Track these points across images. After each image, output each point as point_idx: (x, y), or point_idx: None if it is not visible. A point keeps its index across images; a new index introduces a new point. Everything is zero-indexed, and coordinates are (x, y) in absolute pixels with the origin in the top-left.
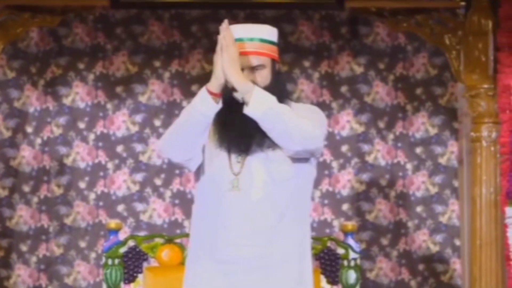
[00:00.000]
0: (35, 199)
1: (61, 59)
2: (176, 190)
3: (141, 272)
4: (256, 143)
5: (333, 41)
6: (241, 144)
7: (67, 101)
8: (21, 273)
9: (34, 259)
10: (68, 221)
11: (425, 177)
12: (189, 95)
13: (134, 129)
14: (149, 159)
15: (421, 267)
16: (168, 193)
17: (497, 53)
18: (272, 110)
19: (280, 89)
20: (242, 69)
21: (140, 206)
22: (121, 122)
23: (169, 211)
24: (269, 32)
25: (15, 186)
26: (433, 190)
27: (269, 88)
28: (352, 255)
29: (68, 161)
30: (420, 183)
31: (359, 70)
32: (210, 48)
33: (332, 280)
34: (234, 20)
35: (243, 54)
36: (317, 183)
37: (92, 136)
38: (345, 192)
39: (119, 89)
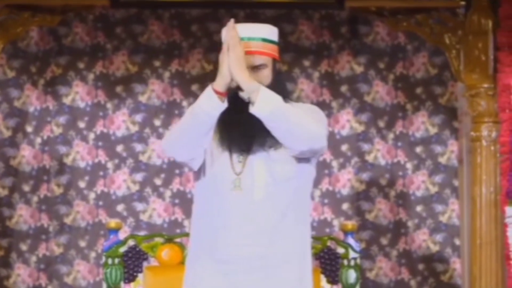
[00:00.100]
0: (35, 199)
1: (61, 59)
2: (176, 189)
3: (141, 272)
4: (258, 143)
5: (333, 41)
6: (242, 144)
7: (67, 100)
8: (21, 273)
9: (34, 258)
10: (68, 220)
11: (425, 176)
12: (189, 94)
13: (134, 128)
14: (149, 158)
15: (421, 266)
16: (168, 193)
17: (497, 52)
18: (279, 109)
19: (280, 88)
20: None
21: (140, 206)
22: (121, 122)
23: (169, 211)
24: (271, 32)
25: (15, 186)
26: (433, 189)
27: (270, 88)
28: (352, 254)
29: (68, 161)
30: (420, 183)
31: (359, 69)
32: (210, 47)
33: (332, 279)
34: (234, 19)
35: (245, 53)
36: (317, 183)
37: (92, 136)
38: (345, 191)
39: (119, 89)
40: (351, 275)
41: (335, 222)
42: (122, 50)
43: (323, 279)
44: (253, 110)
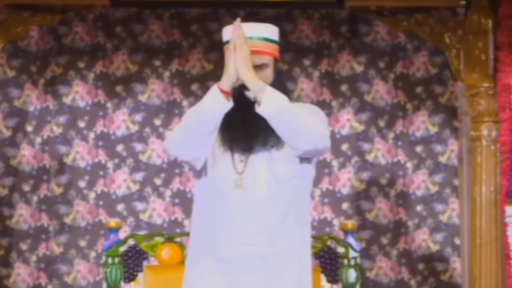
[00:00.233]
0: (35, 198)
1: (61, 58)
2: (176, 189)
3: (141, 271)
4: (259, 142)
5: (333, 40)
6: (244, 143)
7: (67, 100)
8: (21, 272)
9: (34, 258)
10: (68, 220)
11: (425, 176)
12: (189, 94)
13: (134, 128)
14: (149, 158)
15: (421, 266)
16: (168, 193)
17: (497, 52)
18: (285, 109)
19: (281, 88)
20: None
21: (140, 206)
22: (121, 121)
23: (169, 211)
24: (272, 31)
25: (15, 185)
26: (433, 189)
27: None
28: (352, 254)
29: (68, 160)
30: (420, 182)
31: (359, 68)
32: (210, 47)
33: (332, 279)
34: (234, 19)
35: None
36: (317, 182)
37: (92, 135)
38: (345, 191)
39: (119, 88)
40: (351, 275)
41: (335, 222)
42: (122, 50)
43: (323, 279)
44: (259, 109)
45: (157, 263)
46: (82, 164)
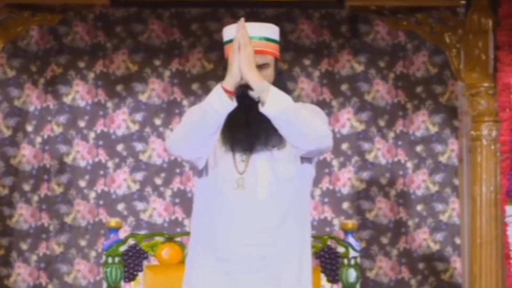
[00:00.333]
0: (36, 198)
1: (61, 58)
2: (176, 189)
3: (141, 271)
4: (261, 142)
5: (333, 40)
6: (245, 143)
7: (67, 99)
8: (21, 272)
9: (34, 257)
10: (68, 219)
11: (426, 175)
12: (189, 94)
13: (134, 128)
14: (149, 158)
15: (421, 265)
16: (168, 192)
17: (497, 51)
18: (289, 109)
19: (282, 87)
20: None
21: (140, 205)
22: (121, 121)
23: (169, 210)
24: (273, 31)
25: (15, 185)
26: (434, 188)
27: None
28: (352, 253)
29: (68, 160)
30: (420, 182)
31: (359, 68)
32: (210, 46)
33: (332, 278)
34: (234, 18)
35: None
36: (317, 181)
37: (92, 135)
38: (345, 190)
39: (119, 88)
40: (351, 274)
41: (335, 221)
42: (122, 49)
43: (323, 278)
44: (263, 109)
45: (157, 263)
46: (82, 163)
